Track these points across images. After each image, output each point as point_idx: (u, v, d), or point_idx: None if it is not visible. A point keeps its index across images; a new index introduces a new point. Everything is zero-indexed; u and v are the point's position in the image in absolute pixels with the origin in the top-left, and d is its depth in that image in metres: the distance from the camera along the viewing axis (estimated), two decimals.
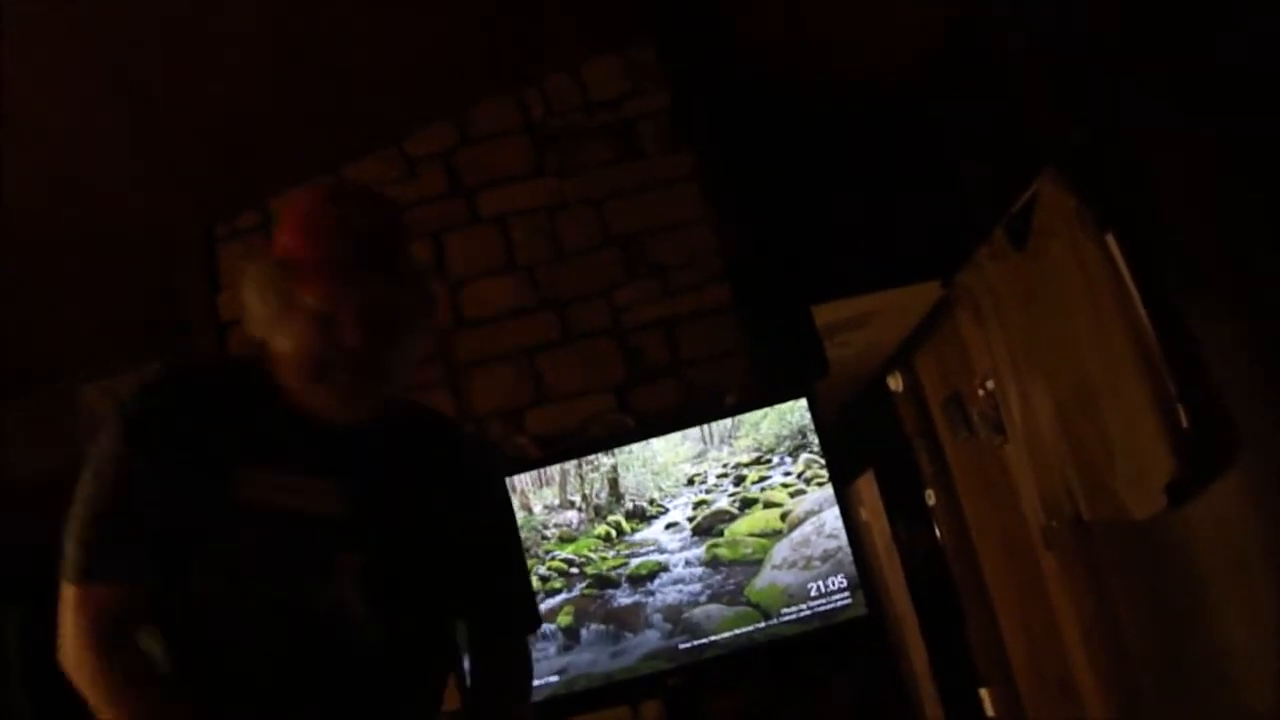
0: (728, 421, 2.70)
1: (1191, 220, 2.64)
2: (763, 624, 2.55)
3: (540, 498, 2.67)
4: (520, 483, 2.67)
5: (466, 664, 1.52)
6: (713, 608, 2.57)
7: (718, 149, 3.28)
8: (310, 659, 1.31)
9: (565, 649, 2.57)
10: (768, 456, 2.66)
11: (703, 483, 2.66)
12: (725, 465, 2.67)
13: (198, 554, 1.28)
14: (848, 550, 2.58)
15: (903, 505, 5.85)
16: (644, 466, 2.67)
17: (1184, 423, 2.74)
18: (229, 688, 1.29)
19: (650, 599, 2.58)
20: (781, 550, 2.60)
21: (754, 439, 2.67)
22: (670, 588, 2.59)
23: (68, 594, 1.26)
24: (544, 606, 2.58)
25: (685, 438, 2.69)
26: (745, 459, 2.66)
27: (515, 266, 3.18)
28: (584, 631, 2.57)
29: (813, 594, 2.57)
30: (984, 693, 5.30)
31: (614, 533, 2.64)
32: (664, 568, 2.60)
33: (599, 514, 2.65)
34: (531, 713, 1.60)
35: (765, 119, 3.62)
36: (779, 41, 3.48)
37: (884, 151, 3.80)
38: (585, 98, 3.28)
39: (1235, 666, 2.77)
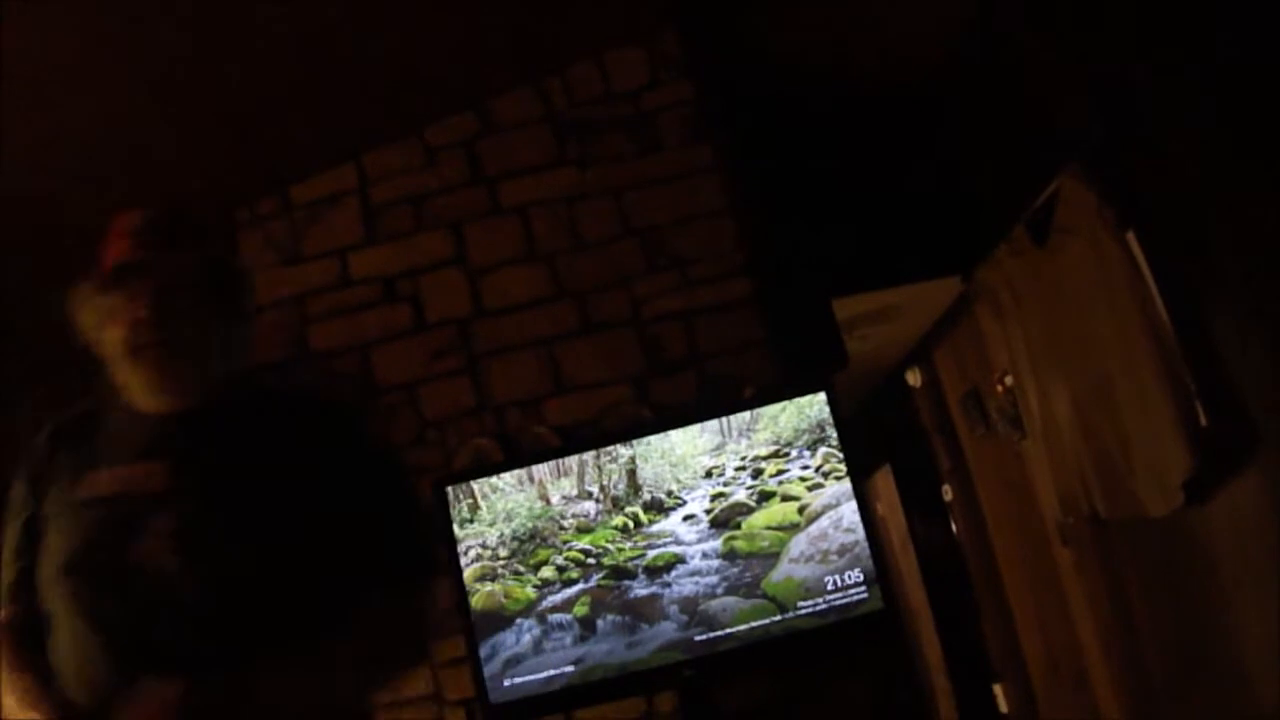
0: (746, 414, 2.70)
1: (1211, 218, 2.63)
2: (779, 617, 2.55)
3: (558, 488, 2.67)
4: (538, 473, 2.68)
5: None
6: (729, 600, 2.58)
7: (739, 141, 3.27)
8: (142, 620, 1.43)
9: (581, 639, 2.58)
10: (786, 450, 2.66)
11: (720, 475, 2.66)
12: (743, 458, 2.67)
13: (39, 552, 1.53)
14: (865, 544, 2.58)
15: (919, 500, 5.84)
16: (662, 458, 2.68)
17: (1202, 420, 2.73)
18: (88, 661, 1.44)
19: (667, 590, 2.59)
20: (799, 544, 2.60)
21: (772, 432, 2.67)
22: (687, 579, 2.60)
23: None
24: (560, 596, 2.60)
25: (704, 430, 2.70)
26: (763, 452, 2.67)
27: (535, 257, 3.18)
28: (600, 622, 2.58)
29: (829, 588, 2.57)
30: (997, 688, 5.30)
31: (631, 524, 2.64)
32: (681, 559, 2.61)
33: (616, 505, 2.65)
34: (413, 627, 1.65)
35: (787, 112, 3.62)
36: (802, 35, 3.47)
37: (906, 145, 3.80)
38: (607, 88, 3.27)
39: (1250, 664, 2.77)
